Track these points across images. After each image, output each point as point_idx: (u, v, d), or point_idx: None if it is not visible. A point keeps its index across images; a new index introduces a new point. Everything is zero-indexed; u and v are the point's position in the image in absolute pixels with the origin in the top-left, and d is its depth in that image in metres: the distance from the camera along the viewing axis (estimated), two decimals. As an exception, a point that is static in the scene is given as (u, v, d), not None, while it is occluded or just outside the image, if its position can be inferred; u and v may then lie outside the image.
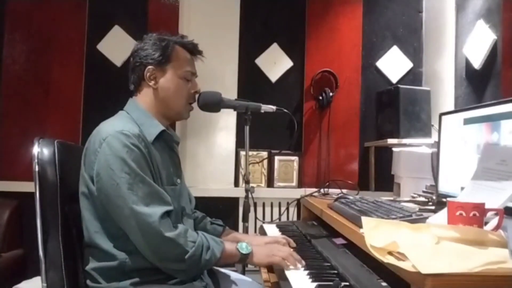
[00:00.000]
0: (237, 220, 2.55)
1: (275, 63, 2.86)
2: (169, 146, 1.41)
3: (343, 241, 1.35)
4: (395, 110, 2.41)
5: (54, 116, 2.72)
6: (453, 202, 0.93)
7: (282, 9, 2.90)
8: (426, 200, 1.69)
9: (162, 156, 1.34)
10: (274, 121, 2.71)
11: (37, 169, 1.24)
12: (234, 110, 1.66)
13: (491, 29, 2.18)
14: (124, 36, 2.76)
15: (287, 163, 2.83)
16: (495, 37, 2.15)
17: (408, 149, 2.32)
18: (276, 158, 2.81)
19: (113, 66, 2.76)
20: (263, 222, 2.04)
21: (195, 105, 1.49)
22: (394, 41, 2.92)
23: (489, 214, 0.92)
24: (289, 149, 2.81)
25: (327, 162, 2.84)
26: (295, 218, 2.33)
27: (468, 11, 2.41)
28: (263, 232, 1.74)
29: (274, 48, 2.87)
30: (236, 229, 2.04)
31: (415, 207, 1.45)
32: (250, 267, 1.52)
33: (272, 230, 1.73)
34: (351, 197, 1.62)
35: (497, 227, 0.90)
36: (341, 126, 2.87)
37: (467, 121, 1.38)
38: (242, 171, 2.75)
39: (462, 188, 1.17)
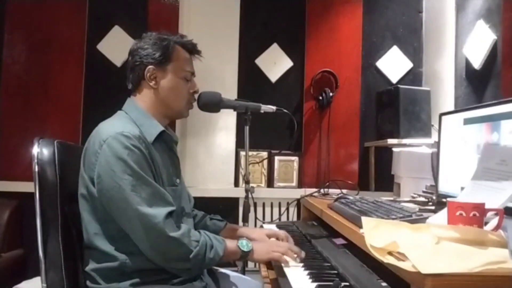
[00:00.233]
0: (237, 220, 2.54)
1: (275, 63, 2.86)
2: (168, 146, 1.40)
3: (343, 241, 1.35)
4: (395, 110, 2.41)
5: (54, 116, 2.72)
6: (453, 202, 0.93)
7: (282, 9, 2.90)
8: (426, 200, 1.69)
9: (162, 157, 1.33)
10: (274, 121, 2.71)
11: (37, 169, 1.24)
12: (234, 110, 1.66)
13: (491, 29, 2.18)
14: (124, 36, 2.75)
15: (287, 163, 2.83)
16: (495, 37, 2.15)
17: (408, 149, 2.32)
18: (276, 158, 2.81)
19: (113, 66, 2.76)
20: (263, 222, 2.04)
21: (195, 105, 1.49)
22: (394, 41, 2.92)
23: (489, 214, 0.92)
24: (289, 149, 2.80)
25: (327, 162, 2.84)
26: (295, 218, 2.33)
27: (468, 11, 2.41)
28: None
29: (274, 48, 2.86)
30: (236, 229, 2.04)
31: (415, 207, 1.45)
32: (250, 267, 1.52)
33: (272, 230, 1.73)
34: (351, 197, 1.62)
35: (497, 227, 0.90)
36: (341, 126, 2.86)
37: (467, 121, 1.38)
38: (242, 171, 2.75)
39: (462, 188, 1.17)
